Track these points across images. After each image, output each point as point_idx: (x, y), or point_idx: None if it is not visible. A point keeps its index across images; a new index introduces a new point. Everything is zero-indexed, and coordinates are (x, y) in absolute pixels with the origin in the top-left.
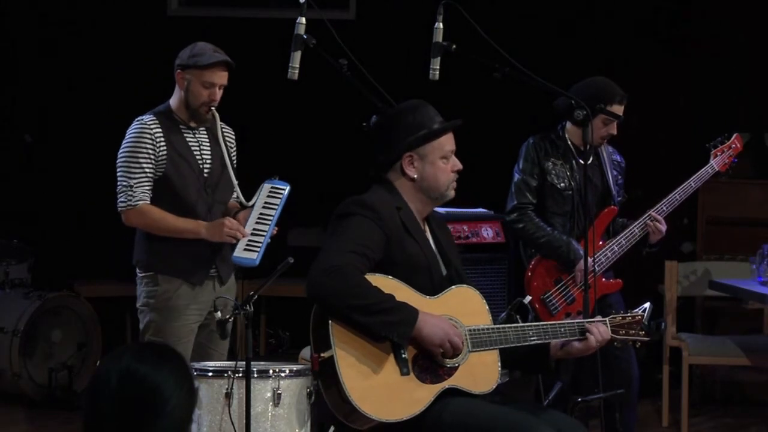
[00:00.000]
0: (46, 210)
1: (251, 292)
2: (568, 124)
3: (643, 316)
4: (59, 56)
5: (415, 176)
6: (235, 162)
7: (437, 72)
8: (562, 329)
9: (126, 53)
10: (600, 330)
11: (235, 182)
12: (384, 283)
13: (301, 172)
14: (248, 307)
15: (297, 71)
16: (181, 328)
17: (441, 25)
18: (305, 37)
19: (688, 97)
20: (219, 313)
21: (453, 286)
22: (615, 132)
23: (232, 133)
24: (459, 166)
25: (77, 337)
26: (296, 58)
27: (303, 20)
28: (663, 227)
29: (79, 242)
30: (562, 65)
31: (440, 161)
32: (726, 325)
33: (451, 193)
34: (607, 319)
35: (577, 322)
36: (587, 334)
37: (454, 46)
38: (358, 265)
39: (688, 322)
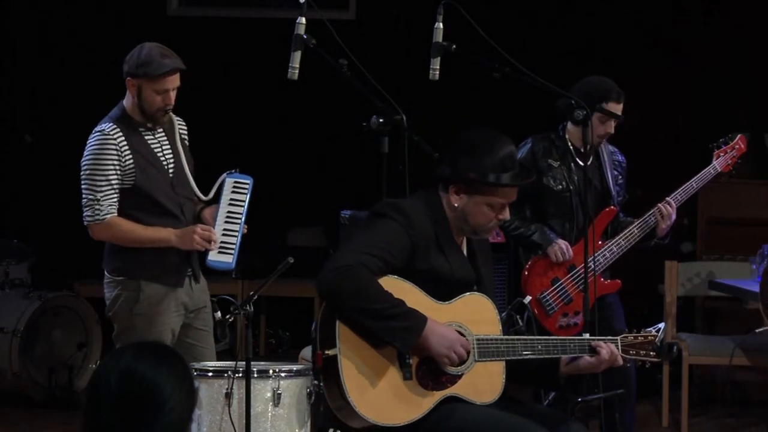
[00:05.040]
0: (46, 210)
1: (251, 292)
2: (569, 125)
3: (656, 336)
4: (59, 56)
5: (456, 205)
6: (189, 155)
7: (437, 72)
8: (572, 345)
9: (126, 53)
10: (611, 350)
11: (191, 178)
12: (396, 285)
13: (301, 172)
14: (248, 307)
15: (297, 71)
16: (164, 332)
17: (441, 25)
18: (305, 37)
19: (688, 97)
20: (218, 314)
21: (466, 293)
22: (612, 130)
23: (184, 124)
24: (506, 216)
25: (77, 337)
26: (296, 58)
27: (303, 20)
28: (673, 214)
29: (79, 242)
30: (562, 66)
31: (485, 207)
32: (726, 325)
33: (486, 235)
34: (618, 338)
35: (587, 339)
36: (599, 356)
37: (454, 46)
38: (372, 266)
39: (688, 322)
